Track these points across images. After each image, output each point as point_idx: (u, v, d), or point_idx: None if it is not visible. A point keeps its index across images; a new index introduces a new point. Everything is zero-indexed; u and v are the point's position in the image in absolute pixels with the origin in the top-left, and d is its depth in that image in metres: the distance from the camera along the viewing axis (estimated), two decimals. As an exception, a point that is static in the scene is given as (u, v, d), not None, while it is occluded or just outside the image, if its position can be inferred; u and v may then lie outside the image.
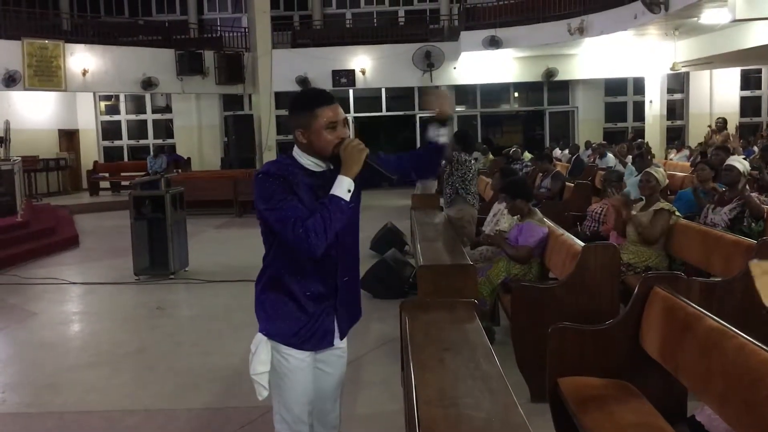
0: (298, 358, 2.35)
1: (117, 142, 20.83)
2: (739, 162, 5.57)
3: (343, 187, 2.20)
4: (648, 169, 5.51)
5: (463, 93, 20.75)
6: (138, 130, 21.03)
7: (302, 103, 2.29)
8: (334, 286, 2.36)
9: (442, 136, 2.48)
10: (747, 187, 5.65)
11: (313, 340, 2.36)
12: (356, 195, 2.34)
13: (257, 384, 2.40)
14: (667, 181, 5.87)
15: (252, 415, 3.80)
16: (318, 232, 2.14)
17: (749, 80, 20.09)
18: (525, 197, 5.16)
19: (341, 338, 2.45)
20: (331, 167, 2.30)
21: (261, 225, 2.33)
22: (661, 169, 5.75)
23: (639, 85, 19.44)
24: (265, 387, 2.39)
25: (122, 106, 20.85)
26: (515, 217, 5.34)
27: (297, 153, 2.33)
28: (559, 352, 3.18)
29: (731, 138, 12.26)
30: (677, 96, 20.32)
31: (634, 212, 5.35)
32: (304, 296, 2.32)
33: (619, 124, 20.61)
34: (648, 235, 5.07)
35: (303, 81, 18.36)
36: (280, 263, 2.33)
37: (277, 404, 2.41)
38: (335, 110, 2.26)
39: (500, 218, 5.89)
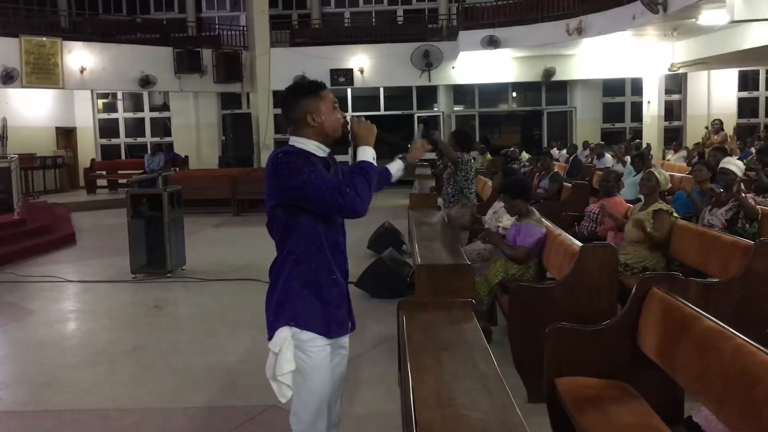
0: (320, 356, 2.38)
1: (114, 140, 20.80)
2: (733, 164, 5.59)
3: (369, 154, 2.38)
4: (651, 169, 5.53)
5: (462, 93, 20.77)
6: (135, 128, 21.00)
7: (306, 90, 2.43)
8: (343, 275, 2.47)
9: (398, 172, 2.69)
10: (743, 187, 5.66)
11: (335, 325, 2.42)
12: None
13: (281, 385, 2.38)
14: (670, 184, 5.87)
15: (250, 413, 3.80)
16: (365, 189, 2.27)
17: (747, 81, 20.13)
18: (524, 197, 5.16)
19: (352, 329, 2.56)
20: (328, 155, 2.44)
21: (278, 213, 2.35)
22: (664, 171, 5.77)
23: (637, 86, 19.47)
24: (290, 387, 2.39)
25: (120, 104, 20.81)
26: (514, 216, 5.34)
27: (299, 142, 2.40)
28: (556, 353, 3.18)
29: (729, 139, 12.26)
30: (675, 97, 20.35)
31: (632, 214, 5.37)
32: (327, 280, 2.39)
33: (617, 125, 20.64)
34: (658, 240, 5.07)
35: (301, 80, 18.32)
36: (303, 246, 2.36)
37: (297, 404, 2.42)
38: (332, 94, 2.48)
39: (501, 215, 5.86)
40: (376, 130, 2.44)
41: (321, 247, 2.36)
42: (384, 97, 20.52)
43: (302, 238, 2.34)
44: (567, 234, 4.73)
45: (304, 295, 2.35)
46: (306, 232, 2.34)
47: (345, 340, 2.55)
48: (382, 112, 20.57)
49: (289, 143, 2.41)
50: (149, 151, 17.82)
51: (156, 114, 21.02)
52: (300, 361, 2.36)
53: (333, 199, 2.22)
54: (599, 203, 6.56)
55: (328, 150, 2.44)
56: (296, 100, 2.40)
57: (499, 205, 6.06)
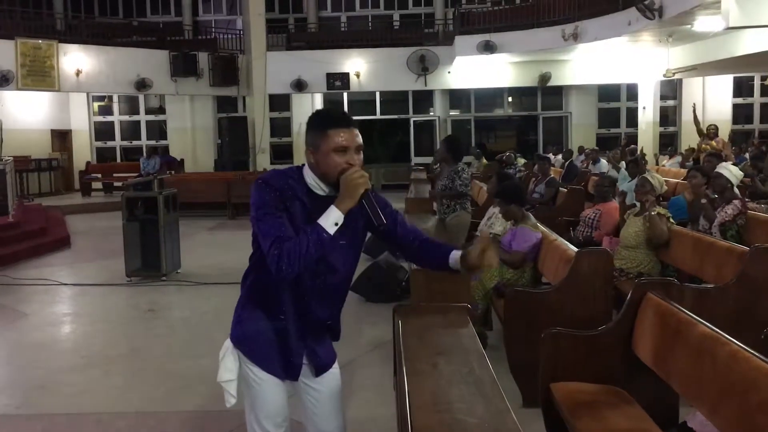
0: (260, 369, 2.29)
1: (110, 143, 20.76)
2: (727, 169, 5.61)
3: (330, 219, 2.08)
4: (645, 175, 5.54)
5: (458, 97, 20.81)
6: (131, 131, 20.97)
7: (316, 122, 2.18)
8: (307, 320, 2.28)
9: (461, 269, 2.32)
10: (737, 191, 5.69)
11: (276, 366, 2.29)
12: (355, 235, 2.29)
13: (225, 391, 2.34)
14: (666, 188, 5.90)
15: (242, 418, 3.76)
16: (292, 258, 2.04)
17: (742, 88, 20.21)
18: (519, 203, 5.16)
19: (323, 371, 2.37)
20: (335, 194, 2.16)
21: (253, 234, 2.26)
22: (658, 176, 5.78)
23: (632, 92, 19.53)
24: (233, 395, 2.34)
25: (115, 107, 20.79)
26: (509, 221, 5.34)
27: (305, 170, 2.23)
28: (551, 358, 3.18)
29: (723, 145, 12.31)
30: (670, 102, 20.42)
31: (629, 219, 5.38)
32: (276, 317, 2.25)
33: (612, 130, 20.69)
34: (658, 238, 5.07)
35: (298, 84, 18.36)
36: (255, 275, 2.30)
37: (248, 414, 2.37)
38: (349, 135, 2.13)
39: (494, 221, 5.89)
40: (363, 190, 2.10)
41: (272, 283, 2.22)
42: (380, 101, 20.55)
43: (259, 266, 2.24)
44: (562, 239, 4.73)
45: (248, 319, 2.29)
46: (263, 263, 2.16)
47: (321, 379, 2.37)
48: (378, 116, 20.62)
49: (303, 167, 2.25)
50: (145, 154, 17.80)
51: (152, 117, 20.99)
52: (245, 373, 2.32)
53: (264, 248, 2.09)
54: (594, 208, 6.57)
55: (328, 190, 2.18)
56: (307, 129, 2.20)
57: (492, 211, 6.06)
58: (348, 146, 2.13)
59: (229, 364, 2.32)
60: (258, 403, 2.32)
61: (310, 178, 2.20)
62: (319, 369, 2.37)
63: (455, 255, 2.31)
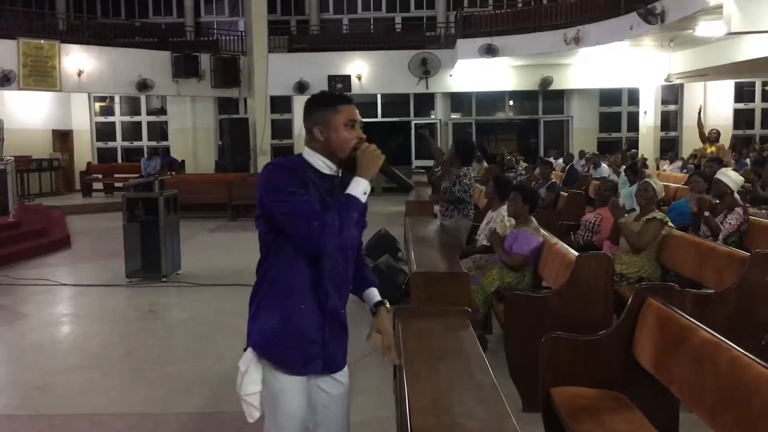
0: (288, 376, 2.24)
1: (111, 144, 20.77)
2: (726, 175, 5.61)
3: (360, 188, 2.15)
4: (646, 179, 5.54)
5: (459, 100, 20.82)
6: (132, 131, 20.99)
7: (324, 100, 2.25)
8: (326, 310, 2.27)
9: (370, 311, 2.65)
10: (738, 198, 5.69)
11: (303, 363, 2.25)
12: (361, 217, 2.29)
13: (248, 405, 2.28)
14: (664, 193, 5.90)
15: (243, 420, 3.76)
16: (333, 227, 2.08)
17: (743, 93, 20.21)
18: (532, 207, 5.17)
19: (330, 370, 2.33)
20: (339, 174, 2.24)
21: (261, 225, 2.22)
22: (658, 181, 5.78)
23: (634, 96, 19.53)
24: (257, 408, 2.29)
25: (117, 108, 20.82)
26: (510, 224, 5.34)
27: (308, 154, 2.24)
28: (552, 362, 3.18)
29: (723, 151, 12.32)
30: (671, 107, 20.41)
31: (624, 220, 5.38)
32: (298, 307, 2.21)
33: (614, 134, 20.70)
34: (635, 243, 5.08)
35: (299, 85, 18.37)
36: (277, 270, 2.21)
37: (268, 424, 2.31)
38: (354, 110, 2.25)
39: (494, 225, 5.88)
40: (382, 162, 2.19)
41: (297, 275, 2.20)
42: (381, 104, 20.57)
43: (280, 259, 2.20)
44: (563, 243, 4.72)
45: (270, 320, 2.24)
46: (285, 254, 2.18)
47: (338, 375, 2.37)
48: (379, 118, 20.63)
49: (303, 153, 2.27)
50: (146, 155, 17.79)
51: (153, 118, 21.01)
52: (269, 383, 2.25)
53: (298, 227, 2.08)
54: (595, 213, 6.57)
55: (336, 168, 2.23)
56: (311, 110, 2.24)
57: (491, 216, 6.06)
58: (357, 120, 2.24)
59: (255, 375, 2.25)
60: (280, 412, 2.26)
61: (317, 159, 2.24)
62: (327, 365, 2.32)
63: (372, 294, 2.63)
